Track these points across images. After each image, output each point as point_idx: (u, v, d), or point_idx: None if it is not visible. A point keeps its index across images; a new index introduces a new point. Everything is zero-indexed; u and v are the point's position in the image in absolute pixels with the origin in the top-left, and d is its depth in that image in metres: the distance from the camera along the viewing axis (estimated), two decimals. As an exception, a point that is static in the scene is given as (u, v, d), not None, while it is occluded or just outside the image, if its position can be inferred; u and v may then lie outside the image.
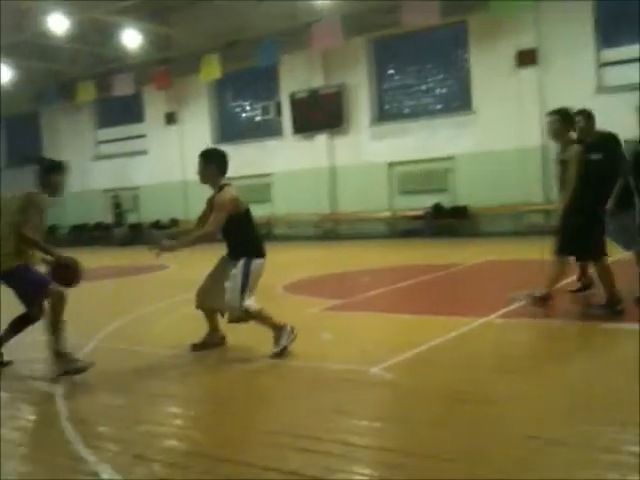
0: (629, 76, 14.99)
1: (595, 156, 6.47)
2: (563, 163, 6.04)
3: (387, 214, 18.20)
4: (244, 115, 21.69)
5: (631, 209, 5.99)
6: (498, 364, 4.76)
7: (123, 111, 23.15)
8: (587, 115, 6.76)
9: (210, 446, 3.52)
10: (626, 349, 5.22)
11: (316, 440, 3.46)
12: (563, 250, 6.02)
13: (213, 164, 5.30)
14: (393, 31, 17.43)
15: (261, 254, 5.24)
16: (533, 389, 4.10)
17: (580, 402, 3.79)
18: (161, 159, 22.14)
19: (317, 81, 19.06)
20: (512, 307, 6.55)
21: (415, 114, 18.26)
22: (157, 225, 22.29)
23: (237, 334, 5.50)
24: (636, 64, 15.02)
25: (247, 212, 5.29)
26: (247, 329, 5.25)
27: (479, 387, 4.13)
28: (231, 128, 21.64)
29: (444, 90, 18.06)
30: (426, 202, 17.43)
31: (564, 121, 6.02)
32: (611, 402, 3.76)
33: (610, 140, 6.70)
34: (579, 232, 5.88)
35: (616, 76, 15.33)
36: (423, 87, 18.24)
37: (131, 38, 18.74)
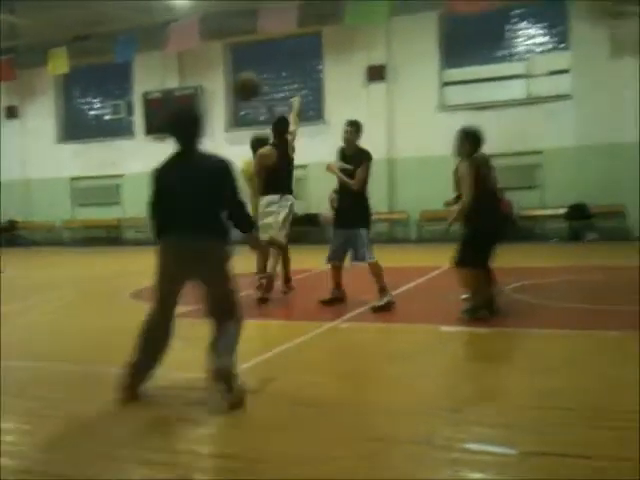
0: (468, 96, 16.10)
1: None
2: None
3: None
4: (93, 113, 20.80)
5: None
6: (341, 367, 4.88)
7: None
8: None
9: (44, 462, 3.30)
10: (461, 349, 5.56)
11: (160, 451, 3.35)
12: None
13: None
14: (251, 37, 17.47)
15: None
16: (374, 390, 4.24)
17: (418, 401, 3.96)
18: (-1, 155, 20.70)
19: (172, 82, 18.68)
20: (357, 312, 6.79)
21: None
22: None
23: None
24: (474, 85, 16.19)
25: None
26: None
27: (322, 390, 4.20)
28: (78, 126, 20.67)
29: (299, 99, 18.31)
30: (279, 209, 17.61)
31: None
32: (447, 402, 3.97)
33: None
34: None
35: (456, 95, 16.35)
36: (278, 95, 18.43)
37: (-31, 24, 17.37)
